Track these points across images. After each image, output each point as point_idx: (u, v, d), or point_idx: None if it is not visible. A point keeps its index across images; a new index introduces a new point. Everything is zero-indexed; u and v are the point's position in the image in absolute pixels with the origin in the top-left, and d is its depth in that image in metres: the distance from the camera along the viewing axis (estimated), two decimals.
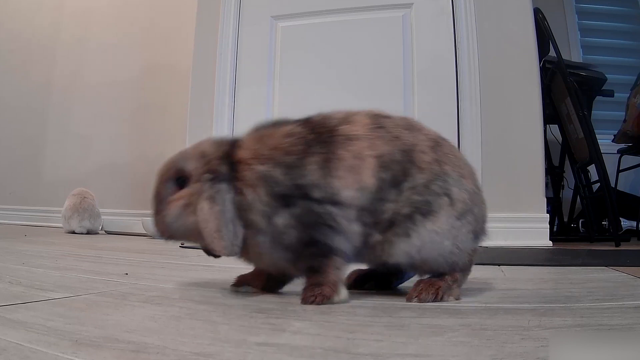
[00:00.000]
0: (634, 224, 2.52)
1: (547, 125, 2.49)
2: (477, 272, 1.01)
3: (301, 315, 0.55)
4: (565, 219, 2.71)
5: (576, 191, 2.63)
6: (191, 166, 0.64)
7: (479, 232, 0.69)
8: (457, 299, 0.66)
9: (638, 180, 2.95)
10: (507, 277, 0.95)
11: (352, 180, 0.63)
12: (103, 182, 2.60)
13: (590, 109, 2.52)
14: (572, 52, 3.26)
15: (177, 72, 2.58)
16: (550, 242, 1.86)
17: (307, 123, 0.70)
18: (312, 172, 0.63)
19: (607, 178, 2.17)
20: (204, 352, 0.40)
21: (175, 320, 0.52)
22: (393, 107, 2.08)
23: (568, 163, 2.63)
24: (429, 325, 0.51)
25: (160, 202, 0.65)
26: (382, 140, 0.66)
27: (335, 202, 0.62)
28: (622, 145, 2.64)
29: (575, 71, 2.49)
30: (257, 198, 0.62)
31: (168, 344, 0.42)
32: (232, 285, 0.73)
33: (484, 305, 0.64)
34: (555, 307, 0.63)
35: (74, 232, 2.11)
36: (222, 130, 2.23)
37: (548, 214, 1.93)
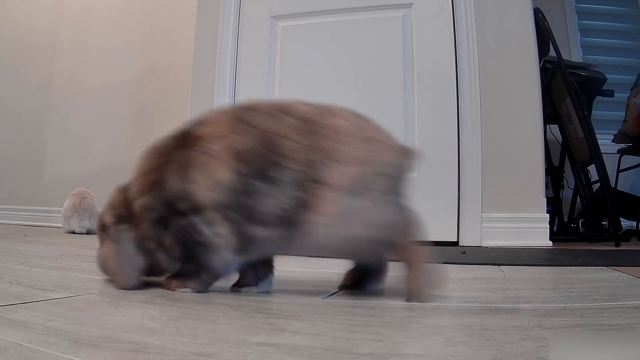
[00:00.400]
0: (634, 224, 2.52)
1: (547, 125, 2.49)
2: (477, 272, 1.01)
3: (301, 315, 0.55)
4: (565, 219, 2.71)
5: (576, 191, 2.63)
6: (107, 217, 0.72)
7: (394, 184, 0.67)
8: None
9: (638, 180, 2.95)
10: (507, 277, 0.95)
11: (206, 180, 0.63)
12: (103, 182, 2.59)
13: (590, 109, 2.52)
14: (572, 52, 3.26)
15: (177, 72, 2.58)
16: (550, 242, 1.86)
17: (178, 134, 0.70)
18: (171, 184, 0.65)
19: (607, 178, 2.17)
20: (204, 352, 0.40)
21: (175, 320, 0.52)
22: (393, 106, 2.10)
23: (568, 163, 2.62)
24: (429, 325, 0.51)
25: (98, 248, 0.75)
26: (239, 134, 0.64)
27: (195, 209, 0.64)
28: (622, 145, 2.64)
29: (575, 71, 2.48)
30: (145, 230, 0.67)
31: (168, 344, 0.42)
32: (232, 285, 0.74)
33: (484, 305, 0.64)
34: (555, 307, 0.63)
35: (73, 232, 2.11)
36: None
37: (548, 214, 1.93)
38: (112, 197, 0.73)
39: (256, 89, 2.23)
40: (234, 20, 2.28)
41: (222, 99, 2.25)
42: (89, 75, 2.83)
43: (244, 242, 0.65)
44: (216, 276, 0.69)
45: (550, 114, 2.44)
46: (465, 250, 1.63)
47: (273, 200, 0.62)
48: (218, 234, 0.64)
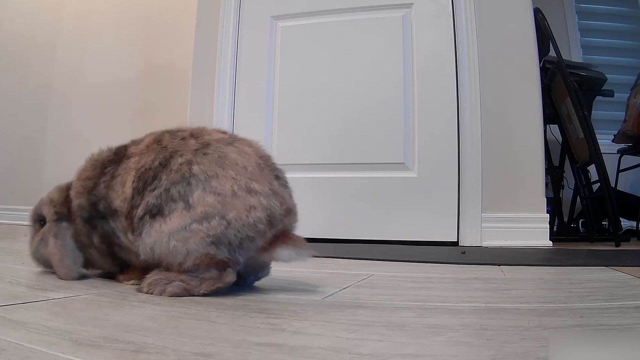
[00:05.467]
0: (634, 224, 2.52)
1: (547, 125, 2.49)
2: (477, 272, 1.01)
3: (301, 315, 0.55)
4: (565, 219, 2.71)
5: (576, 191, 2.63)
6: (45, 210, 0.80)
7: (237, 241, 0.65)
8: (169, 295, 0.66)
9: (638, 180, 2.95)
10: (507, 277, 0.95)
11: (120, 192, 0.72)
12: None
13: (590, 109, 2.52)
14: (572, 52, 3.26)
15: (177, 72, 2.58)
16: (550, 242, 1.87)
17: (115, 149, 0.80)
18: (100, 191, 0.75)
19: (607, 178, 2.17)
20: (204, 352, 0.40)
21: (175, 320, 0.52)
22: (393, 106, 2.10)
23: (568, 163, 2.62)
24: (429, 325, 0.51)
25: (31, 238, 0.83)
26: (151, 153, 0.73)
27: (113, 213, 0.73)
28: (622, 145, 2.64)
29: (575, 71, 2.49)
30: (79, 227, 0.77)
31: (168, 344, 0.42)
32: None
33: (484, 305, 0.64)
34: (555, 307, 0.63)
35: None
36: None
37: (548, 214, 1.93)
38: (53, 194, 0.81)
39: (256, 89, 2.23)
40: (234, 20, 2.28)
41: (222, 99, 2.25)
42: (89, 75, 2.83)
43: None
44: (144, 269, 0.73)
45: (550, 114, 2.44)
46: (465, 250, 1.63)
47: (136, 210, 0.70)
48: (129, 239, 0.72)
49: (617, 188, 2.64)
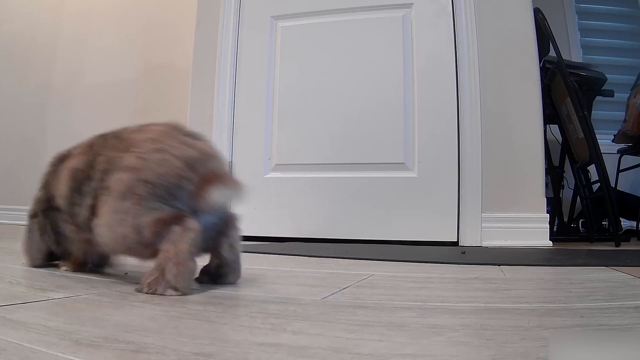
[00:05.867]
0: (634, 224, 2.52)
1: (547, 125, 2.49)
2: (477, 272, 1.01)
3: (301, 315, 0.55)
4: (565, 219, 2.71)
5: (576, 191, 2.63)
6: (30, 207, 0.90)
7: (161, 193, 0.66)
8: (175, 290, 0.65)
9: (638, 180, 2.95)
10: (507, 277, 0.95)
11: (59, 190, 0.81)
12: None
13: (590, 109, 2.52)
14: (572, 52, 3.26)
15: (177, 72, 2.58)
16: (550, 242, 1.87)
17: (66, 151, 0.89)
18: (52, 187, 0.84)
19: (607, 178, 2.17)
20: (204, 352, 0.40)
21: (175, 320, 0.52)
22: (393, 106, 2.10)
23: (568, 163, 2.62)
24: (429, 325, 0.51)
25: None
26: (83, 155, 0.80)
27: (58, 209, 0.82)
28: (622, 145, 2.64)
29: (575, 71, 2.48)
30: (40, 218, 0.87)
31: (168, 344, 0.42)
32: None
33: (484, 305, 0.64)
34: (555, 307, 0.63)
35: None
36: (223, 130, 2.23)
37: (548, 214, 1.93)
38: (36, 194, 0.90)
39: (256, 89, 2.23)
40: (234, 20, 2.28)
41: (222, 99, 2.25)
42: (89, 75, 2.83)
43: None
44: (82, 261, 0.85)
45: (550, 114, 2.43)
46: (465, 250, 1.63)
47: (80, 209, 0.76)
48: (69, 230, 0.81)
49: (617, 188, 2.64)
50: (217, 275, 0.77)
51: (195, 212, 0.68)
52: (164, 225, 0.65)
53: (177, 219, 0.66)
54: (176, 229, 0.65)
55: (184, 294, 0.65)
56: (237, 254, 0.77)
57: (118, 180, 0.68)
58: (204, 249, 0.72)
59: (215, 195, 0.67)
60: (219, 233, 0.74)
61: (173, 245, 0.65)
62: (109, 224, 0.68)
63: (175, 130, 0.73)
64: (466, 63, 1.97)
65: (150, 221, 0.65)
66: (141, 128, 0.75)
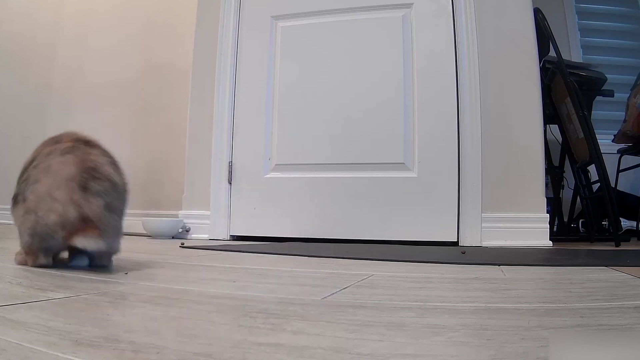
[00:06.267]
0: (634, 224, 2.52)
1: (547, 125, 2.49)
2: (477, 272, 1.01)
3: (301, 315, 0.55)
4: (565, 219, 2.71)
5: (576, 191, 2.63)
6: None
7: (42, 234, 0.85)
8: (19, 263, 0.91)
9: (638, 180, 2.95)
10: (507, 277, 0.95)
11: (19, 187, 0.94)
12: None
13: (590, 109, 2.52)
14: (572, 52, 3.26)
15: (177, 72, 2.58)
16: (550, 242, 1.87)
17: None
18: (19, 184, 0.93)
19: (607, 178, 2.17)
20: (204, 352, 0.40)
21: (175, 320, 0.52)
22: (393, 106, 2.10)
23: (568, 163, 2.62)
24: (429, 325, 0.51)
25: None
26: (33, 153, 0.97)
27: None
28: (622, 145, 2.64)
29: (575, 71, 2.48)
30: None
31: (168, 344, 0.42)
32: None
33: (484, 305, 0.64)
34: (555, 307, 0.63)
35: None
36: (223, 130, 2.23)
37: (548, 214, 1.93)
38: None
39: (256, 89, 2.23)
40: (234, 20, 2.28)
41: (222, 99, 2.25)
42: (89, 75, 2.83)
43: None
44: (37, 253, 0.90)
45: (550, 114, 2.44)
46: (465, 250, 1.63)
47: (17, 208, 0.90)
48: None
49: (617, 188, 2.64)
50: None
51: (54, 249, 0.90)
52: (29, 250, 0.90)
53: (36, 251, 0.90)
54: (31, 256, 0.90)
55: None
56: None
57: (29, 198, 0.87)
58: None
59: (81, 242, 0.83)
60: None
61: (29, 259, 0.91)
62: (19, 218, 0.89)
63: (81, 177, 0.85)
64: (466, 63, 1.97)
65: (26, 242, 0.89)
66: (70, 149, 0.90)
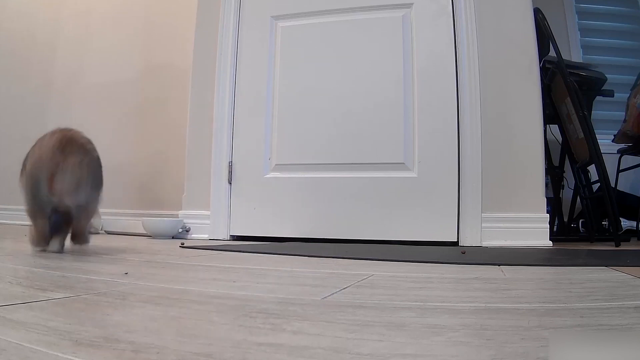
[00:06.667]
0: (634, 224, 2.52)
1: (547, 125, 2.49)
2: (477, 272, 1.01)
3: (301, 315, 0.55)
4: (565, 219, 2.71)
5: (576, 191, 2.63)
6: None
7: (35, 191, 1.14)
8: (31, 243, 1.21)
9: (638, 180, 2.95)
10: (507, 277, 0.95)
11: (25, 171, 1.23)
12: (103, 182, 2.60)
13: (590, 109, 2.52)
14: (572, 52, 3.26)
15: (177, 72, 2.58)
16: (550, 242, 1.87)
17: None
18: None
19: (607, 178, 2.17)
20: (204, 352, 0.40)
21: (175, 320, 0.52)
22: (393, 106, 2.10)
23: (568, 163, 2.62)
24: (429, 325, 0.51)
25: None
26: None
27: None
28: (622, 145, 2.64)
29: (575, 71, 2.48)
30: None
31: (168, 344, 0.42)
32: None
33: (484, 305, 0.64)
34: (555, 307, 0.63)
35: None
36: (222, 130, 2.23)
37: (548, 214, 1.93)
38: None
39: (256, 89, 2.23)
40: (234, 20, 2.28)
41: (222, 99, 2.25)
42: (89, 75, 2.83)
43: None
44: (36, 216, 1.15)
45: (550, 114, 2.43)
46: (465, 250, 1.63)
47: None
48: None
49: (617, 188, 2.63)
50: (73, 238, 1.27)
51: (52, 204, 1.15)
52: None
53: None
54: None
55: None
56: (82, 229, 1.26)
57: (27, 167, 1.17)
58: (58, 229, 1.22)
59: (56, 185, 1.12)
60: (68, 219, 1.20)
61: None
62: (23, 184, 1.18)
63: (60, 142, 1.15)
64: (466, 63, 1.97)
65: (29, 207, 1.18)
66: (47, 139, 1.18)
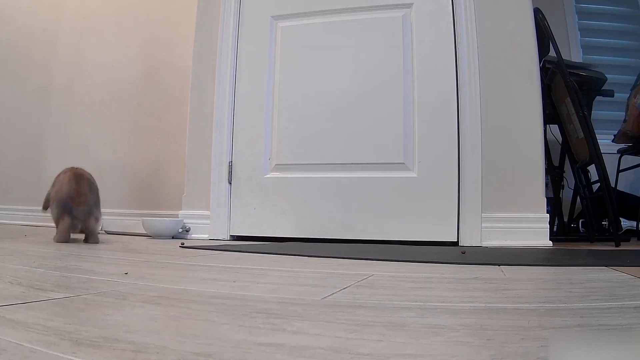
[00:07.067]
0: (634, 224, 2.52)
1: (547, 125, 2.49)
2: (477, 272, 1.01)
3: (301, 315, 0.55)
4: (565, 219, 2.71)
5: (576, 191, 2.63)
6: None
7: (59, 204, 1.63)
8: (57, 241, 1.63)
9: (638, 180, 2.95)
10: (507, 277, 0.95)
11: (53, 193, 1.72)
12: (103, 183, 2.60)
13: (590, 109, 2.52)
14: (572, 52, 3.26)
15: (177, 72, 2.58)
16: (550, 242, 1.87)
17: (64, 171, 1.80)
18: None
19: (607, 178, 2.17)
20: (204, 352, 0.40)
21: (175, 320, 0.52)
22: (393, 106, 2.10)
23: (568, 163, 2.62)
24: (429, 325, 0.51)
25: None
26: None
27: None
28: (622, 145, 2.64)
29: (575, 71, 2.48)
30: None
31: (168, 344, 0.42)
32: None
33: (484, 305, 0.64)
34: (555, 307, 0.63)
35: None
36: (222, 130, 2.23)
37: (548, 214, 1.93)
38: None
39: (256, 89, 2.23)
40: (234, 21, 2.28)
41: (222, 99, 2.25)
42: (89, 75, 2.83)
43: None
44: (60, 218, 1.63)
45: (550, 114, 2.43)
46: (465, 250, 1.63)
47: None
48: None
49: (617, 188, 2.63)
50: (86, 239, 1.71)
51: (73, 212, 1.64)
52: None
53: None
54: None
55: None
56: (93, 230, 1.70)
57: (52, 196, 1.70)
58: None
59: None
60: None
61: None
62: (52, 208, 1.67)
63: (74, 176, 1.67)
64: (466, 63, 1.97)
65: (55, 214, 1.66)
66: (62, 176, 1.70)
